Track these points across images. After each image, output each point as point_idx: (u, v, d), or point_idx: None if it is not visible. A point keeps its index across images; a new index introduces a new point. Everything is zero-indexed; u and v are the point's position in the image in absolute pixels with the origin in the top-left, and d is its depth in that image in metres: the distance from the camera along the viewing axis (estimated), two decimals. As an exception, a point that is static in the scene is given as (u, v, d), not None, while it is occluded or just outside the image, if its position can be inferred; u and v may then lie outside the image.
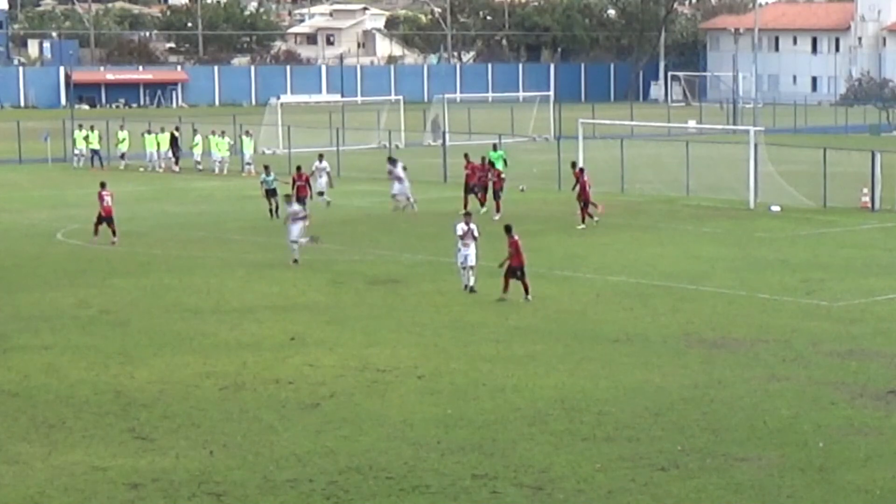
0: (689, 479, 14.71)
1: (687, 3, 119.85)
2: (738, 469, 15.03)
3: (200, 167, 50.42)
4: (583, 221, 33.64)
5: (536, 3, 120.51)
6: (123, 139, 51.48)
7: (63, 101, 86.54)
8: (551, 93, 71.31)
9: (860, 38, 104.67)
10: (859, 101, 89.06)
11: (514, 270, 23.83)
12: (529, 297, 23.93)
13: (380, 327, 22.14)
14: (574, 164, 36.23)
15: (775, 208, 38.03)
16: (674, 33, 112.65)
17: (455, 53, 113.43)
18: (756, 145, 39.99)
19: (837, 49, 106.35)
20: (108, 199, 30.93)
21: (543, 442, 15.97)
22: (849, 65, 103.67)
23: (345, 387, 18.40)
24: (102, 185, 31.41)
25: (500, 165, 38.97)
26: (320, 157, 40.29)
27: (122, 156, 51.34)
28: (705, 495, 14.17)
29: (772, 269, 28.32)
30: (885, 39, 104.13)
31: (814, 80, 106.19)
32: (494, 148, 41.65)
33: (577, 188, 34.06)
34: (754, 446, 15.87)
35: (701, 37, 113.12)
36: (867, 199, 38.86)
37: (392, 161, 39.16)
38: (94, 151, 51.18)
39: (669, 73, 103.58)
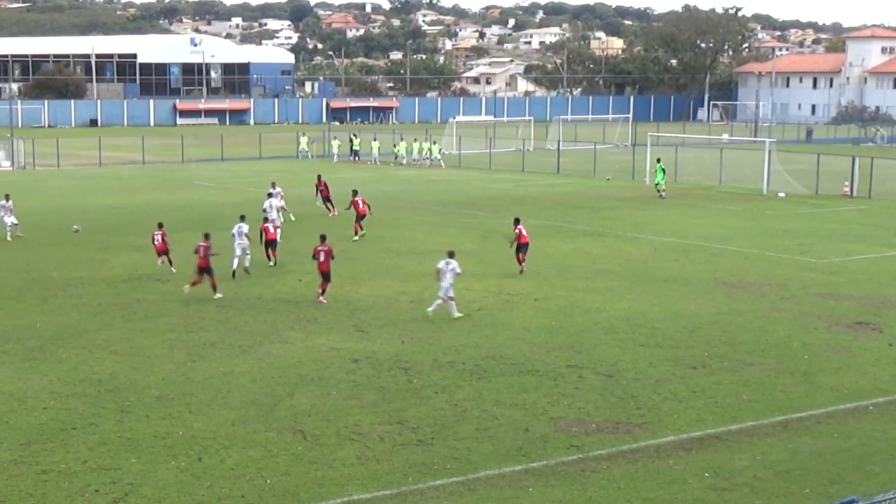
0: (712, 375, 14.06)
1: (726, 54, 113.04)
2: (746, 370, 14.29)
3: (404, 162, 50.55)
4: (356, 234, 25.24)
5: (623, 56, 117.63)
6: (359, 143, 52.16)
7: (324, 119, 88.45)
8: (631, 115, 68.73)
9: (847, 78, 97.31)
10: (845, 122, 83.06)
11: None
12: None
13: (510, 266, 21.90)
14: (355, 192, 25.71)
15: (781, 195, 35.69)
16: (716, 75, 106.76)
17: (568, 89, 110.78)
18: (770, 151, 37.65)
19: (831, 85, 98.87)
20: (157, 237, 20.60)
21: (614, 345, 15.52)
22: (838, 96, 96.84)
23: (487, 304, 18.28)
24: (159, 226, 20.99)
25: (660, 176, 33.66)
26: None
27: (356, 153, 51.91)
28: (722, 387, 13.53)
29: (777, 236, 26.72)
30: (865, 79, 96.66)
31: (813, 106, 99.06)
32: (658, 161, 35.25)
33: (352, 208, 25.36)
34: (758, 355, 15.04)
35: (735, 77, 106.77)
36: (847, 189, 36.24)
37: None
38: (355, 151, 51.27)
39: (711, 102, 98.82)
